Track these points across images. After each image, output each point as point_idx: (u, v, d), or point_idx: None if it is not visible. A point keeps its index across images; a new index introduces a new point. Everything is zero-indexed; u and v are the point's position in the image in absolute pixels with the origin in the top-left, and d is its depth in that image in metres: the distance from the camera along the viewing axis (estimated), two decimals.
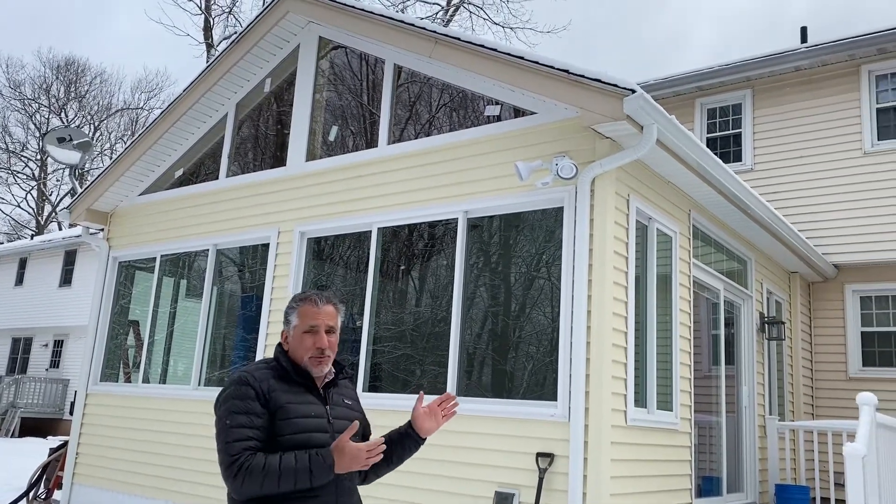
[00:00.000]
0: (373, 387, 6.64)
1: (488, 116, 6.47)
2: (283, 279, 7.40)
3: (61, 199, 40.16)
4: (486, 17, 27.15)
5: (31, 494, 9.39)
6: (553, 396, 5.45)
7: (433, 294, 6.71)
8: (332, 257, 7.67)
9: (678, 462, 6.27)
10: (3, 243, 33.87)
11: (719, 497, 7.40)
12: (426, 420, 2.74)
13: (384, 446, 2.42)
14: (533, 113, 6.07)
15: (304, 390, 2.58)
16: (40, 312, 24.91)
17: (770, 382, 8.79)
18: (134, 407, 8.46)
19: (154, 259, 8.95)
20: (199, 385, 7.96)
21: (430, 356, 6.41)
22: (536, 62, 5.63)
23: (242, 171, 8.54)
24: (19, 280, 26.43)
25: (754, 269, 8.56)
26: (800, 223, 9.75)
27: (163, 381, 8.65)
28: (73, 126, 38.22)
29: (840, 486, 7.28)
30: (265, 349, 7.39)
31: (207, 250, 8.33)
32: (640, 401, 5.83)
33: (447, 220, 6.46)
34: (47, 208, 41.22)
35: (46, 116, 40.39)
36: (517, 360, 6.12)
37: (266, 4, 8.13)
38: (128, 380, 9.08)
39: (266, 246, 7.73)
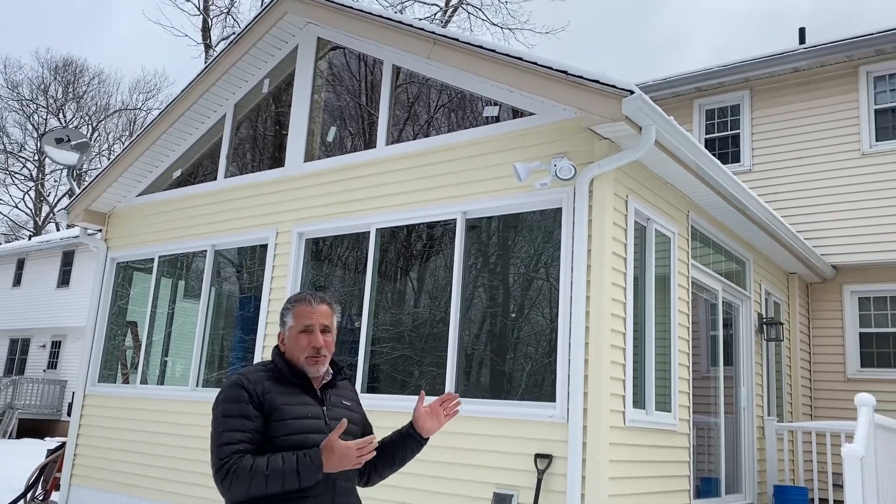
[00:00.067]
0: (371, 388, 6.63)
1: (487, 117, 6.47)
2: (282, 280, 7.40)
3: (59, 200, 40.12)
4: (485, 18, 27.21)
5: (29, 496, 9.37)
6: (551, 397, 5.44)
7: (431, 295, 6.71)
8: (330, 258, 7.67)
9: (677, 463, 6.26)
10: (0, 244, 33.81)
11: (718, 498, 7.40)
12: (427, 420, 2.74)
13: (376, 443, 2.40)
14: (531, 114, 6.07)
15: (301, 392, 2.57)
16: (38, 313, 24.88)
17: (768, 383, 8.79)
18: (132, 408, 8.45)
19: (152, 260, 8.93)
20: (197, 386, 7.95)
21: (429, 357, 6.41)
22: (535, 63, 5.63)
23: (241, 171, 8.53)
24: (17, 281, 26.39)
25: (753, 269, 8.56)
26: (798, 224, 9.76)
27: (161, 382, 8.64)
28: (70, 127, 38.17)
29: (838, 486, 7.28)
30: (263, 350, 7.38)
31: (205, 251, 8.32)
32: (639, 402, 5.83)
33: (445, 220, 6.46)
34: (45, 209, 41.19)
35: (44, 117, 40.37)
36: (516, 361, 6.12)
37: (264, 5, 8.13)
38: (126, 381, 9.07)
39: (264, 247, 7.72)
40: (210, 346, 8.15)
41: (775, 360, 9.18)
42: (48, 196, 41.22)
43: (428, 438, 2.76)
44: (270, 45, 8.24)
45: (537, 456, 5.34)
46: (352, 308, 6.98)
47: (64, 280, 24.56)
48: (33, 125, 40.17)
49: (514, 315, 6.24)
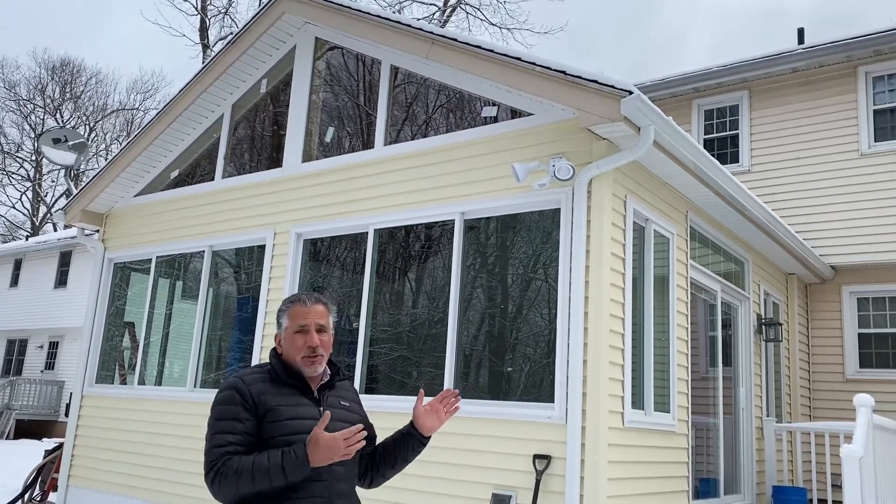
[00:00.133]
0: (370, 388, 6.62)
1: (485, 117, 6.46)
2: (280, 280, 7.38)
3: (56, 201, 40.08)
4: (483, 18, 27.23)
5: (27, 496, 9.35)
6: (550, 398, 5.43)
7: (430, 296, 6.69)
8: (328, 259, 7.65)
9: (675, 464, 6.26)
10: None
11: (716, 499, 7.39)
12: (427, 418, 2.72)
13: (364, 432, 2.38)
14: (530, 114, 6.06)
15: (298, 393, 2.57)
16: (35, 314, 24.83)
17: (767, 384, 8.78)
18: (129, 409, 8.43)
19: (150, 260, 8.91)
20: (194, 387, 7.94)
21: (427, 358, 6.39)
22: (533, 63, 5.62)
23: (238, 172, 8.51)
24: (14, 281, 26.35)
25: (751, 270, 8.55)
26: (797, 225, 9.75)
27: (158, 382, 8.62)
28: (68, 127, 38.13)
29: (837, 487, 7.27)
30: (261, 351, 7.36)
31: (203, 252, 8.30)
32: (638, 402, 5.81)
33: (444, 221, 6.45)
34: (42, 209, 41.13)
35: (42, 117, 40.31)
36: (514, 362, 6.11)
37: (262, 5, 8.11)
38: (123, 381, 9.05)
39: (262, 247, 7.71)
40: (208, 346, 8.13)
41: (774, 361, 9.17)
42: (45, 196, 41.18)
43: (429, 437, 2.75)
44: (268, 45, 8.22)
45: (536, 457, 5.33)
46: (350, 309, 6.96)
47: (61, 280, 24.51)
48: (30, 125, 40.15)
49: (512, 316, 6.23)
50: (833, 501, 7.49)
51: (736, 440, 8.00)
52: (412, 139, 7.01)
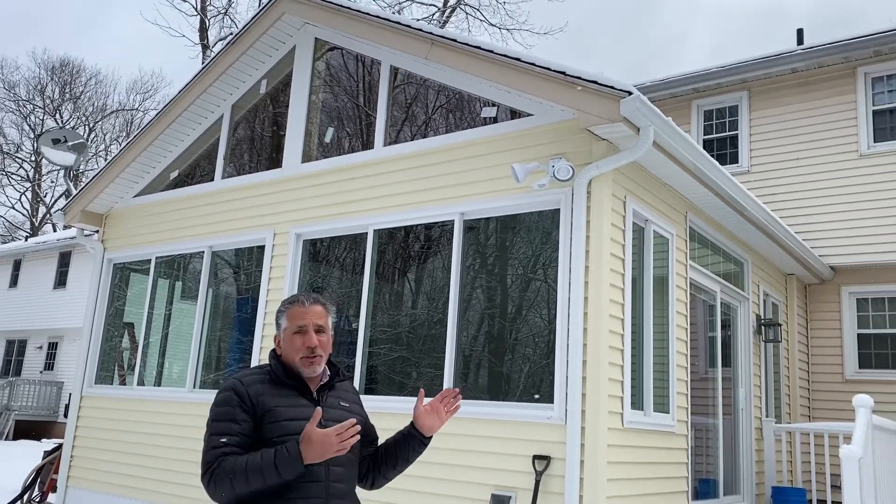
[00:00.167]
0: (369, 389, 6.62)
1: (485, 118, 6.46)
2: (279, 281, 7.38)
3: (56, 201, 40.06)
4: (483, 19, 27.23)
5: (26, 497, 9.35)
6: (550, 399, 5.43)
7: (429, 296, 6.69)
8: (328, 259, 7.65)
9: (675, 464, 6.26)
10: None
11: (716, 499, 7.39)
12: (428, 418, 2.72)
13: (358, 427, 2.37)
14: (529, 115, 6.06)
15: (297, 394, 2.56)
16: (34, 314, 24.81)
17: (767, 384, 8.78)
18: (129, 409, 8.43)
19: (149, 261, 8.91)
20: (194, 387, 7.93)
21: (427, 358, 6.39)
22: (533, 64, 5.62)
23: (238, 172, 8.51)
24: (13, 282, 26.33)
25: (751, 271, 8.55)
26: (796, 225, 9.76)
27: (158, 383, 8.61)
28: (67, 127, 38.15)
29: (836, 488, 7.27)
30: (261, 351, 7.36)
31: (203, 252, 8.30)
32: (637, 403, 5.81)
33: (443, 221, 6.45)
34: (42, 210, 41.11)
35: (41, 118, 40.30)
36: (514, 363, 6.11)
37: (262, 6, 8.11)
38: (122, 382, 9.04)
39: (262, 248, 7.70)
40: (207, 347, 8.13)
41: (773, 362, 9.17)
42: (45, 197, 41.16)
43: (430, 437, 2.74)
44: (268, 45, 8.22)
45: (535, 457, 5.33)
46: (349, 309, 6.96)
47: (61, 281, 24.50)
48: (30, 126, 40.13)
49: (512, 316, 6.23)
50: (832, 502, 7.49)
51: (735, 441, 8.00)
52: (412, 140, 7.01)
